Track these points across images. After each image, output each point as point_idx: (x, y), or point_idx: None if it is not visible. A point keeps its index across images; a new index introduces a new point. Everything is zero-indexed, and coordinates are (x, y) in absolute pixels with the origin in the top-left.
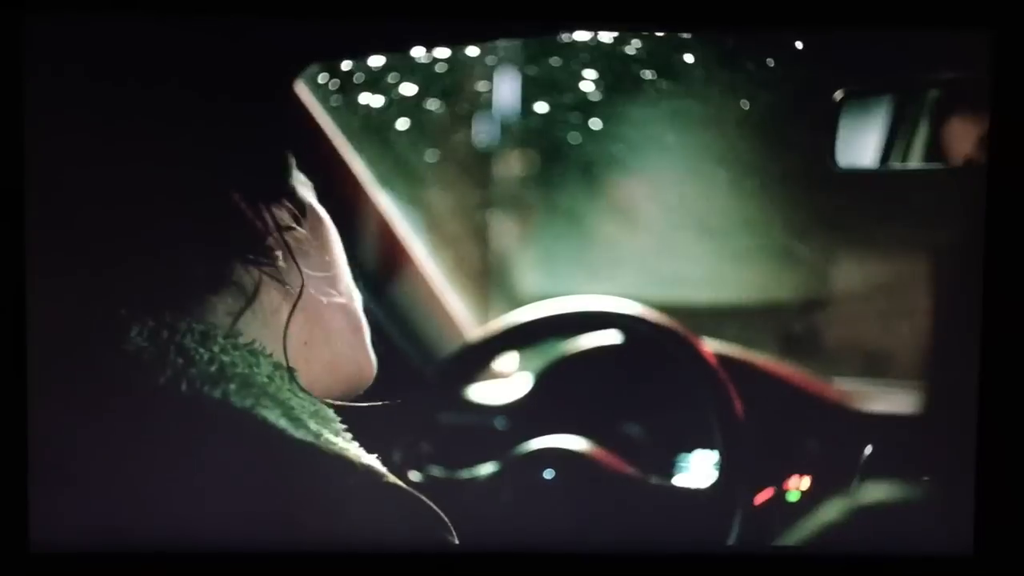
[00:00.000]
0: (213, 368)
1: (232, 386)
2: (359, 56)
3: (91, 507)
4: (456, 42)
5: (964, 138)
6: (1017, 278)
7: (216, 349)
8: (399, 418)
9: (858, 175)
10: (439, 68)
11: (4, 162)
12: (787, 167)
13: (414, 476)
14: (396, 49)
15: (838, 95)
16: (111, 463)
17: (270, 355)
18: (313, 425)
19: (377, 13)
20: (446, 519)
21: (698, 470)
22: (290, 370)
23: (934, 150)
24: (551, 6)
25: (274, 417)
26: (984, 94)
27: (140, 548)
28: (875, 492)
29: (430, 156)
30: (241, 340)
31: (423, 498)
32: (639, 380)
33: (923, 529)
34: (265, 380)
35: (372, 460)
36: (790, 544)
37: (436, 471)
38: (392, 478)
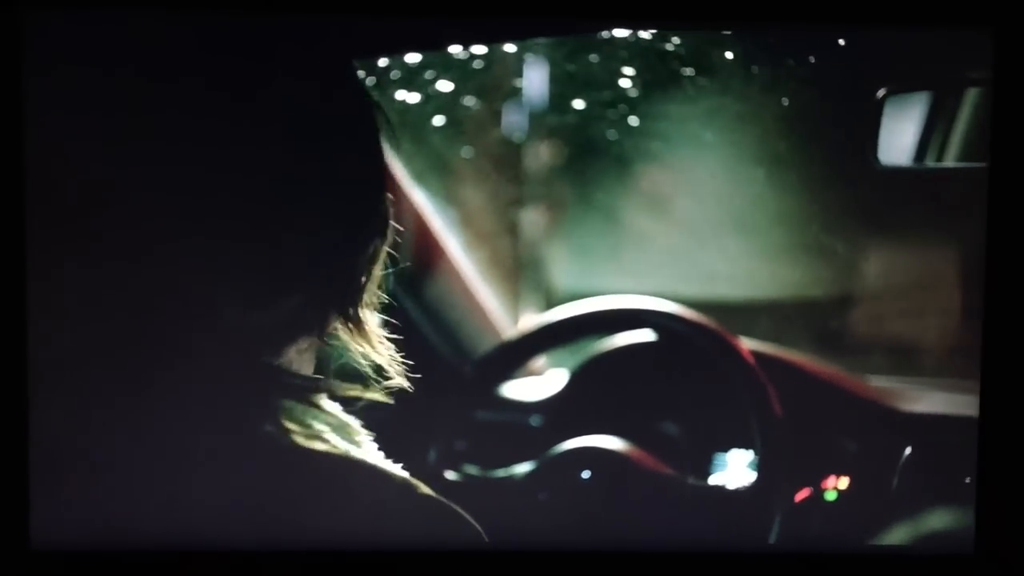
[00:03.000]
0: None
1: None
2: (396, 54)
3: (91, 505)
4: (494, 40)
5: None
6: (1015, 276)
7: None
8: (435, 416)
9: (899, 172)
10: (476, 64)
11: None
12: (826, 164)
13: (450, 475)
14: (434, 47)
15: (880, 92)
16: (111, 462)
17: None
18: (338, 440)
19: (415, 12)
20: (478, 527)
21: (734, 469)
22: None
23: (975, 148)
24: (590, 5)
25: (300, 428)
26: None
27: (140, 546)
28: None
29: (465, 152)
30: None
31: (454, 506)
32: (675, 378)
33: (924, 528)
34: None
35: (398, 469)
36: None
37: (472, 470)
38: (423, 487)
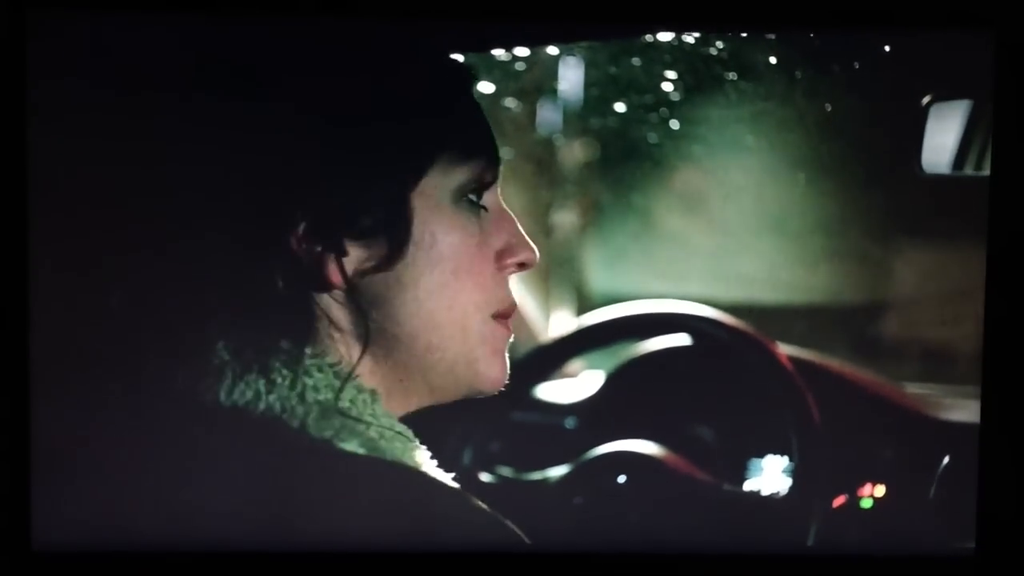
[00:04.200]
0: (296, 391)
1: (312, 416)
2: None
3: (93, 506)
4: (537, 43)
5: None
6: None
7: (300, 370)
8: (470, 418)
9: (941, 180)
10: (518, 67)
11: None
12: (868, 171)
13: (485, 477)
14: (476, 49)
15: (926, 100)
16: (113, 463)
17: (356, 376)
18: (395, 452)
19: (459, 15)
20: (521, 534)
21: (770, 475)
22: (372, 393)
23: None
24: (632, 8)
25: (353, 443)
26: None
27: (141, 548)
28: None
29: (505, 154)
30: (328, 360)
31: (507, 522)
32: (711, 383)
33: (925, 529)
34: (347, 405)
35: (449, 479)
36: None
37: (507, 472)
38: (479, 502)
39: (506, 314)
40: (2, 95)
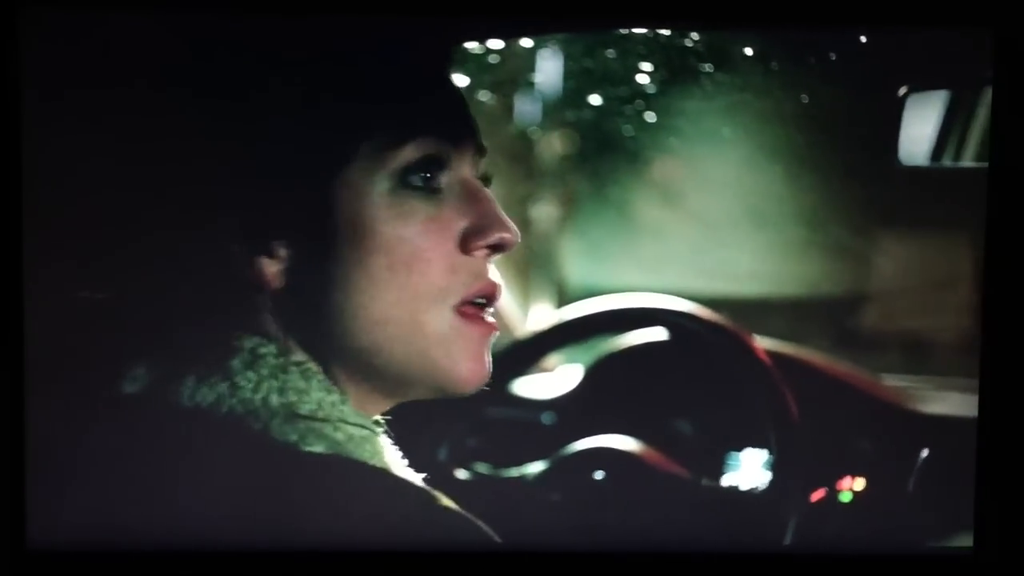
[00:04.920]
0: (258, 396)
1: (276, 420)
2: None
3: (88, 506)
4: (510, 36)
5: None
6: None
7: (265, 372)
8: (445, 413)
9: (918, 171)
10: (491, 59)
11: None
12: (845, 162)
13: (461, 474)
14: (450, 43)
15: (902, 91)
16: (108, 462)
17: (323, 377)
18: (364, 455)
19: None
20: (497, 539)
21: (748, 470)
22: (342, 395)
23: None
24: (608, 4)
25: (320, 446)
26: None
27: (137, 547)
28: None
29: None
30: (295, 357)
31: (479, 522)
32: (689, 377)
33: (924, 527)
34: (313, 407)
35: (419, 479)
36: None
37: (483, 468)
38: (449, 502)
39: (482, 302)
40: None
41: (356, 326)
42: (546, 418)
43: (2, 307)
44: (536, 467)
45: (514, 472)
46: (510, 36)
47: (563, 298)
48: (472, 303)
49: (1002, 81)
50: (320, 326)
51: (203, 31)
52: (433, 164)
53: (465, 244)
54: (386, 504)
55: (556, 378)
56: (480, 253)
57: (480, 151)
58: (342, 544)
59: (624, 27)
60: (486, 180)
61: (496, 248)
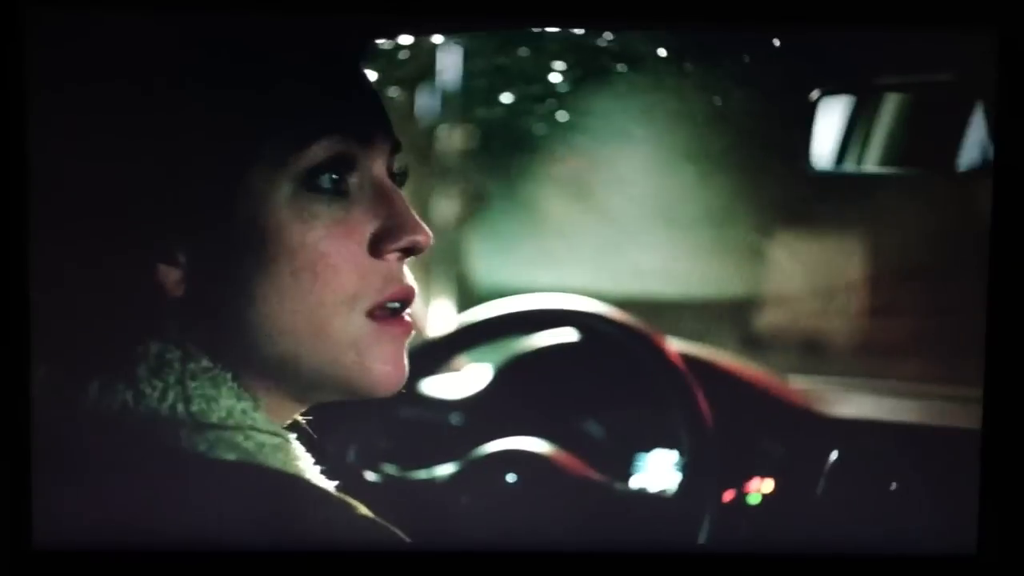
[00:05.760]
0: (165, 404)
1: (183, 430)
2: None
3: (94, 505)
4: (423, 32)
5: (940, 141)
6: (1018, 276)
7: (171, 379)
8: (354, 414)
9: (829, 175)
10: (401, 55)
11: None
12: (758, 165)
13: (370, 476)
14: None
15: (814, 95)
16: (114, 461)
17: (233, 384)
18: (275, 463)
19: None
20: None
21: (659, 471)
22: (254, 401)
23: (907, 153)
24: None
25: (231, 456)
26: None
27: (143, 546)
28: None
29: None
30: (203, 363)
31: (397, 531)
32: (599, 378)
33: (926, 529)
34: (223, 415)
35: (332, 487)
36: None
37: (392, 470)
38: (364, 509)
39: (395, 306)
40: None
41: (263, 335)
42: (455, 419)
43: (9, 305)
44: (446, 469)
45: (424, 474)
46: (425, 32)
47: (471, 298)
48: (385, 307)
49: (1006, 82)
50: (226, 334)
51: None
52: (341, 164)
53: (376, 247)
54: (300, 511)
55: (465, 378)
56: (392, 256)
57: (395, 147)
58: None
59: (542, 26)
60: (402, 175)
61: (408, 251)
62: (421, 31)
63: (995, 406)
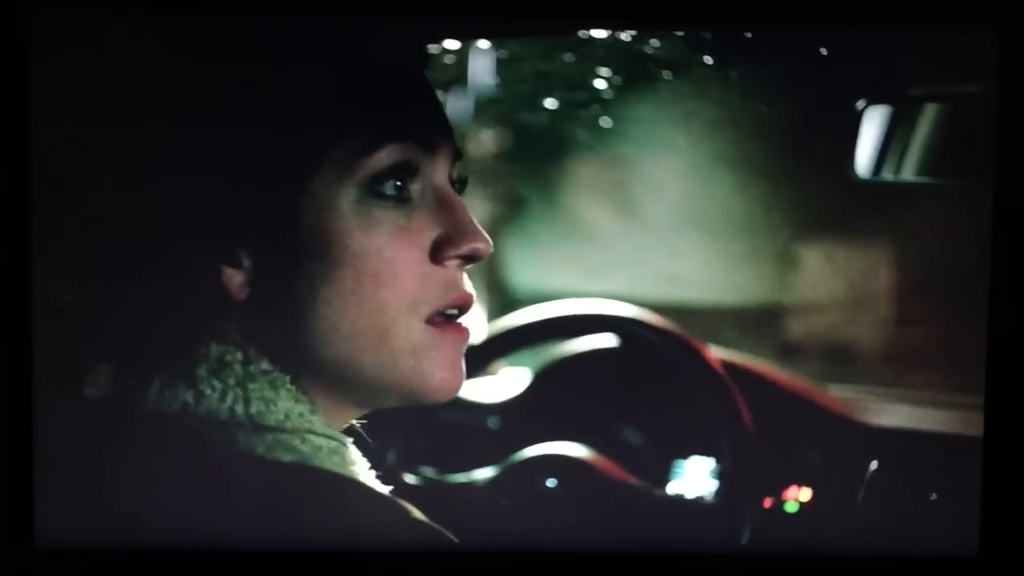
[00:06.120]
0: (224, 405)
1: (240, 432)
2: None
3: (96, 505)
4: (468, 37)
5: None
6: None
7: (231, 380)
8: (394, 417)
9: (873, 185)
10: (447, 60)
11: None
12: (801, 173)
13: (410, 479)
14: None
15: (860, 104)
16: (116, 461)
17: (292, 387)
18: (332, 466)
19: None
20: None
21: (697, 477)
22: (312, 405)
23: (937, 164)
24: (568, 6)
25: (288, 458)
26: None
27: (145, 546)
28: None
29: None
30: (263, 366)
31: (449, 534)
32: (638, 384)
33: (928, 530)
34: (281, 418)
35: (387, 491)
36: None
37: (431, 473)
38: (418, 513)
39: (454, 312)
40: (5, 94)
41: (324, 340)
42: (493, 422)
43: (11, 306)
44: (485, 473)
45: (462, 478)
46: (474, 37)
47: (508, 302)
48: (444, 313)
49: (1008, 82)
50: (287, 338)
51: (165, 31)
52: (404, 171)
53: (437, 254)
54: (354, 514)
55: (503, 382)
56: (452, 263)
57: (456, 155)
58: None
59: (582, 29)
60: (462, 183)
61: (469, 258)
62: (470, 36)
63: (996, 410)
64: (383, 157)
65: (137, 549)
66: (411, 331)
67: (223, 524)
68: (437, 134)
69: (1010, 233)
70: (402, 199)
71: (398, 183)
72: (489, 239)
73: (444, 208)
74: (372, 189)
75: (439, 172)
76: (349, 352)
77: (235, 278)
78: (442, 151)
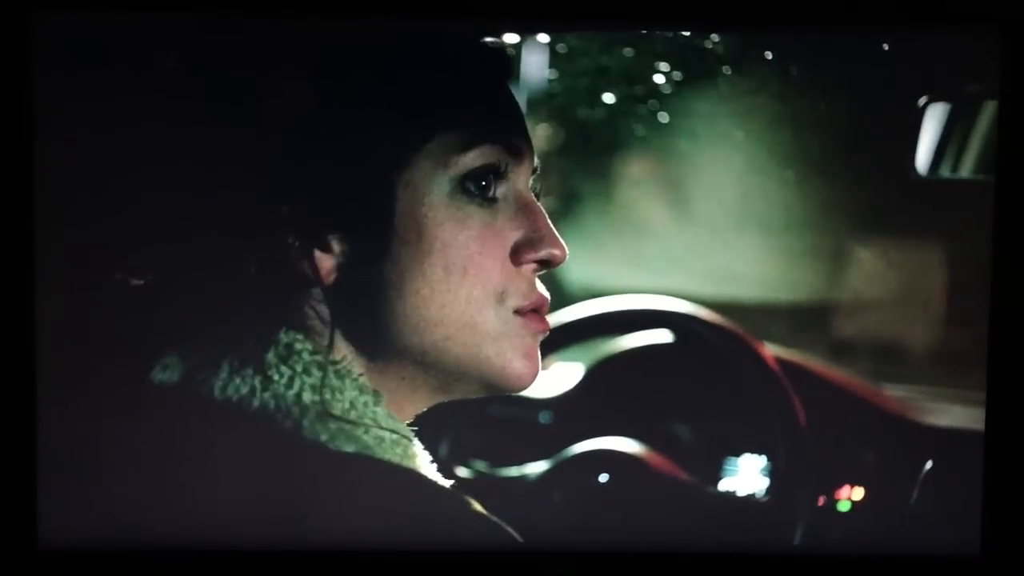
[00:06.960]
0: (291, 392)
1: (305, 421)
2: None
3: (99, 505)
4: (526, 31)
5: None
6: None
7: (299, 367)
8: (446, 410)
9: (933, 182)
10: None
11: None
12: (860, 170)
13: (462, 472)
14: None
15: (921, 101)
16: (119, 461)
17: (358, 376)
18: (394, 458)
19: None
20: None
21: (748, 474)
22: (375, 395)
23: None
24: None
25: (350, 448)
26: None
27: (147, 546)
28: None
29: None
30: (330, 356)
31: (510, 529)
32: (692, 380)
33: (930, 530)
34: (346, 407)
35: (448, 484)
36: None
37: (482, 467)
38: (477, 506)
39: (533, 310)
40: (7, 94)
41: (409, 326)
42: (544, 417)
43: (13, 305)
44: (538, 467)
45: (515, 472)
46: (524, 32)
47: (562, 298)
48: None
49: (1009, 82)
50: (370, 323)
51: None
52: (492, 173)
53: (516, 256)
54: (415, 507)
55: (555, 377)
56: (529, 267)
57: (535, 168)
58: (359, 543)
59: (637, 30)
60: (536, 195)
61: (546, 263)
62: (532, 31)
63: (998, 407)
64: (477, 155)
65: (143, 549)
66: (496, 318)
67: (250, 522)
68: (522, 143)
69: (1010, 231)
70: (488, 199)
71: (484, 183)
72: (566, 247)
73: (525, 213)
74: (462, 185)
75: (522, 178)
76: (434, 339)
77: (325, 262)
78: (526, 158)
